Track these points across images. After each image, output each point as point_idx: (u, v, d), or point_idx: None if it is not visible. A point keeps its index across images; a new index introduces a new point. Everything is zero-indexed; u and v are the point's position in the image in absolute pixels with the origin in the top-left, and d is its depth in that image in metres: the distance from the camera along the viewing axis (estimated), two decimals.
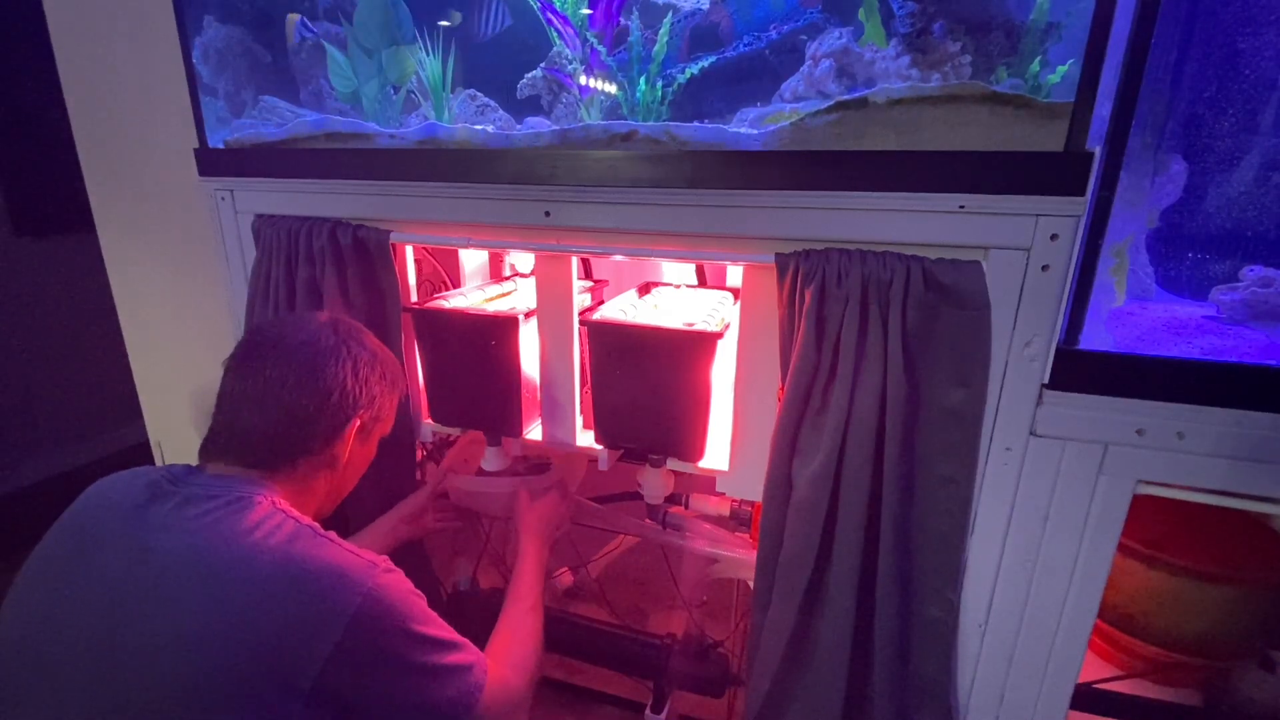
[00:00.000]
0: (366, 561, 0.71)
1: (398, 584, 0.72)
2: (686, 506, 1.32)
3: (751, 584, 0.99)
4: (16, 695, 0.65)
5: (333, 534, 0.74)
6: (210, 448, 0.79)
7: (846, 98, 0.82)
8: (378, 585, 0.69)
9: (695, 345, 0.97)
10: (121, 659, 0.63)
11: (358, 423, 0.84)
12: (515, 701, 0.81)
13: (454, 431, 1.23)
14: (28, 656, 0.66)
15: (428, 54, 1.11)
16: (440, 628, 0.75)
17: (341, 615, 0.65)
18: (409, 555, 1.18)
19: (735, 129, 0.90)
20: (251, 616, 0.63)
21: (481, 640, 0.91)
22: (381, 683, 0.68)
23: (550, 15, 1.05)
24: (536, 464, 1.38)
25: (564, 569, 1.69)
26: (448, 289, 1.36)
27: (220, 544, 0.67)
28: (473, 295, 1.24)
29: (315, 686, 0.64)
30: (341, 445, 0.83)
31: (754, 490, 1.00)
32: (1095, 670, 1.13)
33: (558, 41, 1.07)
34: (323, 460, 0.82)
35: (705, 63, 1.01)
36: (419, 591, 0.75)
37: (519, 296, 1.34)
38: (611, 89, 1.07)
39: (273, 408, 0.77)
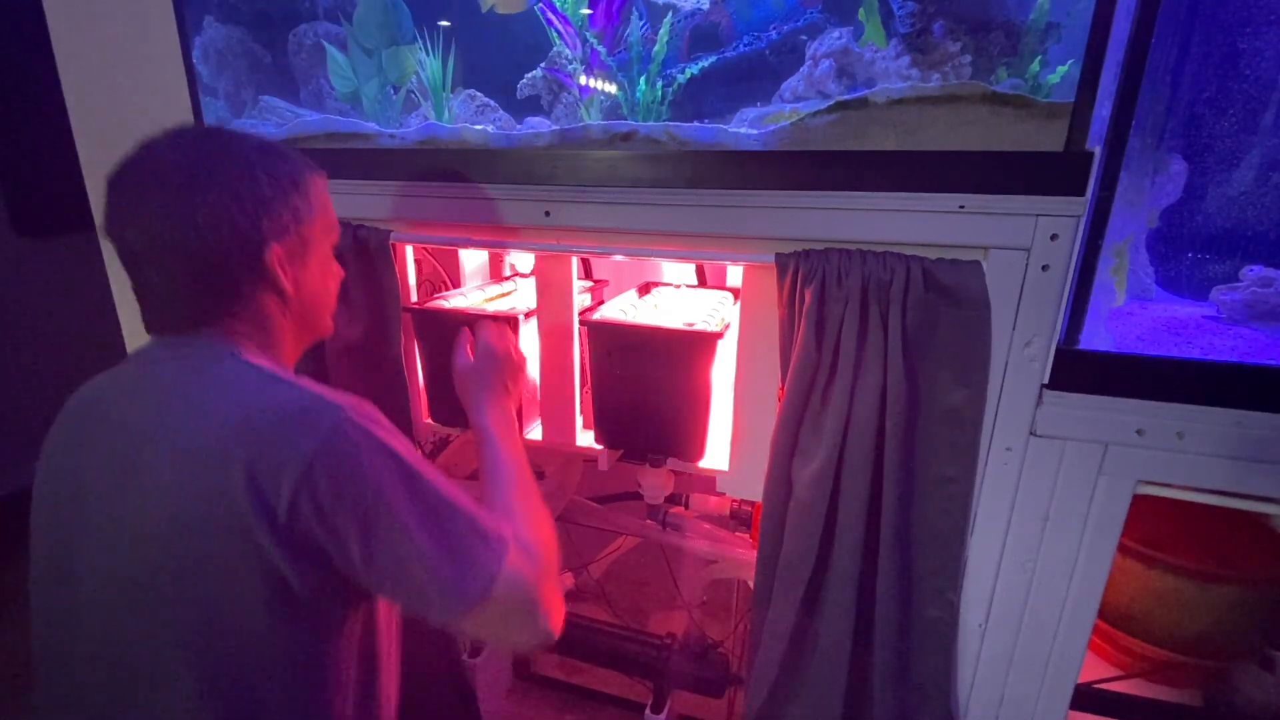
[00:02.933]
0: (332, 403, 0.64)
1: (365, 429, 0.63)
2: (686, 506, 1.32)
3: (751, 584, 0.99)
4: (51, 582, 0.68)
5: (304, 379, 0.69)
6: (147, 319, 0.72)
7: (847, 98, 0.82)
8: (337, 428, 0.62)
9: (695, 345, 0.97)
10: (120, 534, 0.64)
11: (276, 249, 0.71)
12: (534, 595, 0.66)
13: (454, 431, 1.23)
14: (56, 545, 0.69)
15: (428, 54, 1.11)
16: (431, 488, 0.65)
17: (300, 456, 0.60)
18: None
19: (735, 129, 0.90)
20: (218, 472, 0.60)
21: (481, 644, 0.89)
22: (357, 539, 0.61)
23: (550, 15, 1.05)
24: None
25: (566, 571, 1.69)
26: (448, 289, 1.36)
27: (184, 409, 0.64)
28: (473, 295, 1.24)
29: (289, 534, 0.60)
30: (276, 278, 0.71)
31: (754, 490, 1.00)
32: (1095, 670, 1.13)
33: (558, 41, 1.07)
34: (264, 300, 0.72)
35: (705, 63, 1.01)
36: (404, 441, 0.67)
37: (519, 296, 1.34)
38: (611, 89, 1.07)
39: (169, 267, 0.68)
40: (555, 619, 0.69)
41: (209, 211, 0.66)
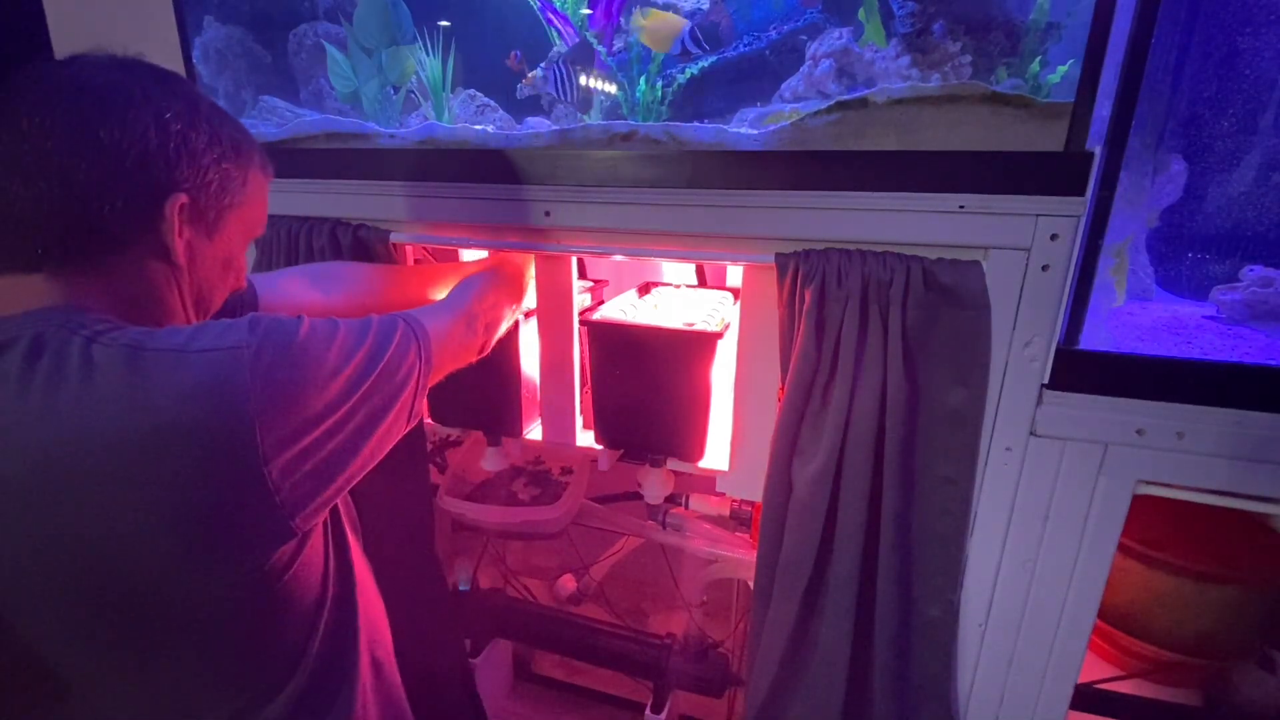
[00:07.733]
0: (228, 351, 0.52)
1: (276, 348, 0.54)
2: (686, 506, 1.32)
3: (751, 584, 0.99)
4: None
5: (175, 327, 0.56)
6: None
7: (846, 98, 0.82)
8: (258, 373, 0.52)
9: (695, 345, 0.97)
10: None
11: (183, 199, 0.58)
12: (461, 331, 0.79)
13: (454, 431, 1.23)
14: None
15: (428, 54, 1.11)
16: (344, 346, 0.59)
17: (245, 432, 0.50)
18: (414, 555, 1.18)
19: (735, 129, 0.90)
20: (141, 494, 0.49)
21: (481, 644, 0.90)
22: (338, 440, 0.57)
23: (550, 15, 1.05)
24: (536, 472, 1.39)
25: (567, 574, 1.69)
26: None
27: (42, 428, 0.48)
28: None
29: (279, 520, 0.53)
30: (167, 230, 0.58)
31: (754, 490, 1.00)
32: (1095, 670, 1.13)
33: (558, 41, 1.07)
34: (146, 251, 0.58)
35: (705, 63, 1.01)
36: (309, 329, 0.57)
37: None
38: (611, 89, 1.07)
39: (37, 172, 0.52)
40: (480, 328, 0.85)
41: (118, 125, 0.54)
